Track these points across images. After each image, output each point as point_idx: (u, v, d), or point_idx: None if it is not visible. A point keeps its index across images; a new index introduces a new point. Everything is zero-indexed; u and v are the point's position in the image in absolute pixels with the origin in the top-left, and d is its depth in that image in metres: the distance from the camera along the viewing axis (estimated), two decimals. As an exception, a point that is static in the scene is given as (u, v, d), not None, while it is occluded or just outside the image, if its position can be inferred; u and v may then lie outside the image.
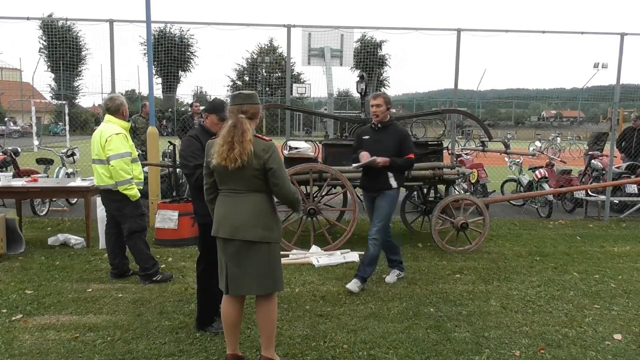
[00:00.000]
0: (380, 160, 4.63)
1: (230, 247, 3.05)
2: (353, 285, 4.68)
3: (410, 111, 26.32)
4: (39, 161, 9.18)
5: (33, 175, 7.47)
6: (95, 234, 6.32)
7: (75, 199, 9.12)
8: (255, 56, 38.43)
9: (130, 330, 3.81)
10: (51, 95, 26.89)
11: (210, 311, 3.77)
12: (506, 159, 10.07)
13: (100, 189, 4.99)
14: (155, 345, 3.56)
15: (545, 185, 8.68)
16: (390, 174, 4.71)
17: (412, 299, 4.57)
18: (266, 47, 38.27)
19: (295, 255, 5.83)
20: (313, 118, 27.29)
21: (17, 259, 5.68)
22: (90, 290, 4.69)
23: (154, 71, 12.09)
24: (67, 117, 20.85)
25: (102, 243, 6.03)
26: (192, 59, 34.10)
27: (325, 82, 11.27)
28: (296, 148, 6.55)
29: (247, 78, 37.70)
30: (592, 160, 9.49)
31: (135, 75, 45.20)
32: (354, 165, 4.94)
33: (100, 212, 5.85)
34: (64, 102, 21.95)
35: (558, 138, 26.06)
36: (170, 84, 24.32)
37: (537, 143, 17.08)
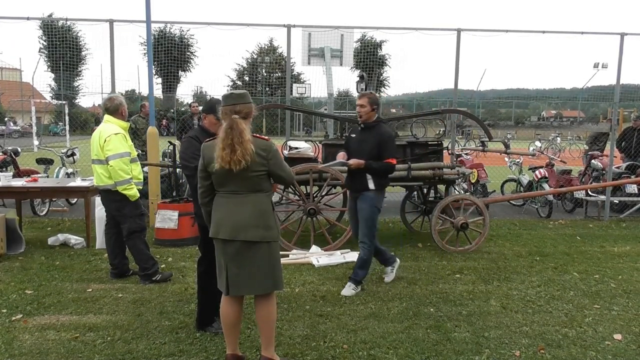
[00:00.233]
0: (352, 162, 4.55)
1: (231, 248, 3.05)
2: (347, 289, 4.69)
3: (410, 111, 26.32)
4: (39, 161, 9.19)
5: (33, 175, 7.48)
6: (95, 233, 6.32)
7: (75, 199, 9.13)
8: (255, 56, 38.47)
9: (130, 330, 3.82)
10: (51, 95, 26.84)
11: (210, 311, 3.76)
12: (506, 159, 10.08)
13: (99, 189, 4.99)
14: (155, 345, 3.56)
15: (545, 185, 8.68)
16: (368, 176, 4.62)
17: (412, 299, 4.57)
18: (266, 47, 38.32)
19: (295, 255, 5.84)
20: (313, 118, 27.24)
21: (17, 259, 5.68)
22: (90, 290, 4.70)
23: (154, 71, 12.12)
24: (67, 117, 20.83)
25: (99, 243, 6.04)
26: (192, 59, 34.11)
27: (325, 82, 11.25)
28: (296, 148, 6.56)
29: (247, 78, 37.71)
30: (592, 160, 9.49)
31: (135, 75, 45.33)
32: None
33: (99, 211, 5.86)
34: (64, 102, 21.91)
35: (558, 138, 26.08)
36: (170, 84, 24.32)
37: (537, 143, 17.09)
